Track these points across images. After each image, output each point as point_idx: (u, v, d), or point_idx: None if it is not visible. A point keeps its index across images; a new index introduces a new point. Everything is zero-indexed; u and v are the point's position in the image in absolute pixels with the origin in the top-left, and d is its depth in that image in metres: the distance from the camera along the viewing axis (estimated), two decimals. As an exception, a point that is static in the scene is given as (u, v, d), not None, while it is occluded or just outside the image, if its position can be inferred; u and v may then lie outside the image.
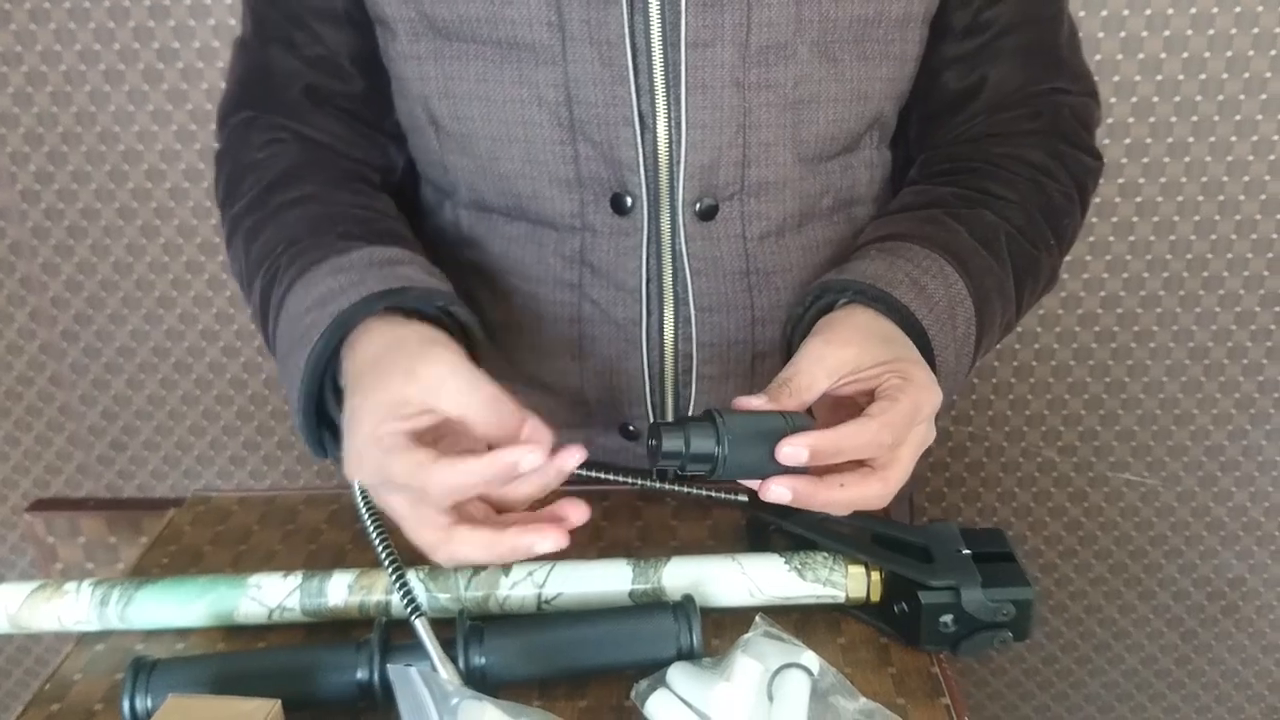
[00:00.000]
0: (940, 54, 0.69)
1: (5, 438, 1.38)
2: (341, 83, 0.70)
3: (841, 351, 0.53)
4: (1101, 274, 1.21)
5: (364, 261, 0.59)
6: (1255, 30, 1.09)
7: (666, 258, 0.66)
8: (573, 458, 0.51)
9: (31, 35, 1.16)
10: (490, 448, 0.50)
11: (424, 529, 0.51)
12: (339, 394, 0.57)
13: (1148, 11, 1.09)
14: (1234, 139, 1.14)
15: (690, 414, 0.68)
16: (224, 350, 1.30)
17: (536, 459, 0.48)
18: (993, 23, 0.68)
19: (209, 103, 1.17)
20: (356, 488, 0.55)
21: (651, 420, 0.69)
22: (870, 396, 0.53)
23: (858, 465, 0.52)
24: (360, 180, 0.70)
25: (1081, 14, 1.10)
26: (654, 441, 0.50)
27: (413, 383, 0.51)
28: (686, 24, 0.60)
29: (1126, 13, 1.09)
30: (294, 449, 1.35)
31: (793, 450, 0.49)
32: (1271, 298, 1.21)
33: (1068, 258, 1.19)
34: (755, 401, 0.51)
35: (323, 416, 0.59)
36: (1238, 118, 1.13)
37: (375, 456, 0.51)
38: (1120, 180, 1.16)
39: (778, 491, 0.50)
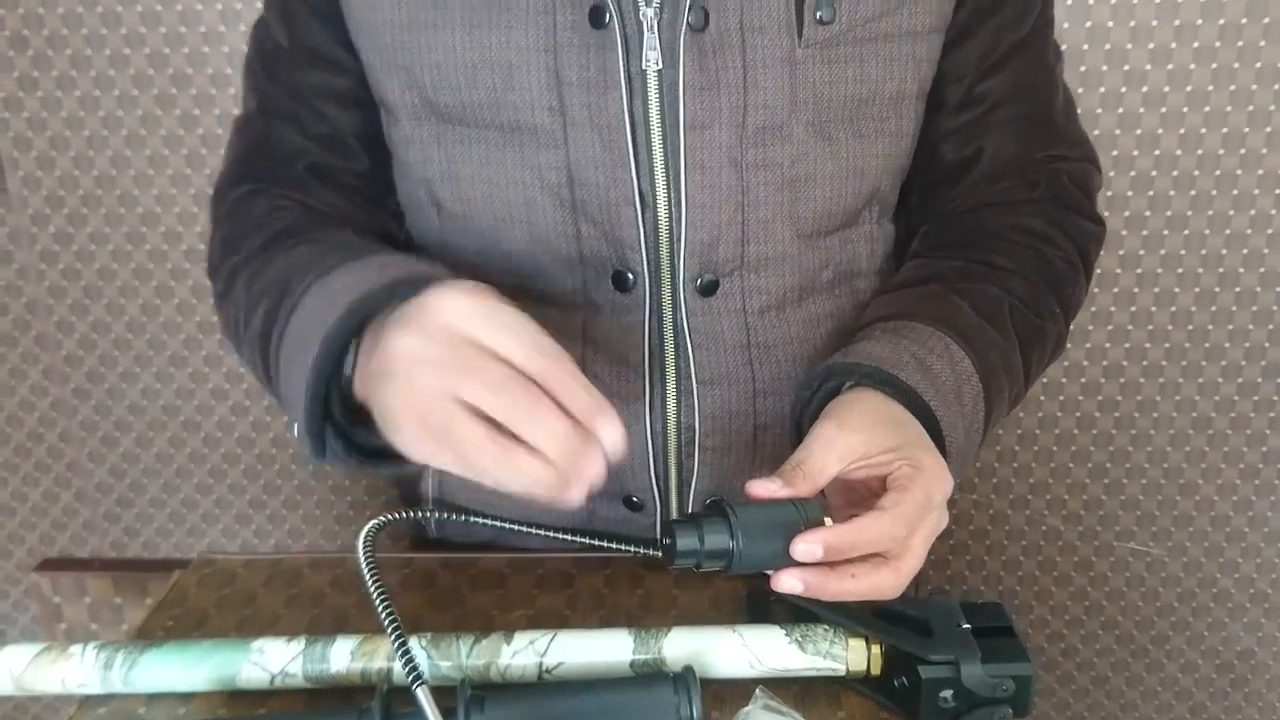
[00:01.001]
0: (937, 126, 0.71)
1: (13, 493, 1.39)
2: (346, 160, 0.71)
3: (852, 437, 0.54)
4: (1104, 343, 1.22)
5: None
6: (1250, 108, 1.12)
7: (668, 333, 0.67)
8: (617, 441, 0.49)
9: (57, 101, 1.19)
10: None
11: (511, 402, 0.46)
12: (343, 399, 0.54)
13: (1144, 89, 1.12)
14: (1232, 213, 1.16)
15: (696, 503, 0.69)
16: (233, 409, 1.31)
17: (614, 435, 0.48)
18: (987, 96, 0.70)
19: (227, 167, 1.20)
20: (361, 550, 0.56)
21: (654, 495, 0.70)
22: (881, 482, 0.53)
23: (870, 555, 0.52)
24: (369, 237, 0.71)
25: (1080, 90, 1.12)
26: (668, 540, 0.51)
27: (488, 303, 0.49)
28: (685, 107, 0.62)
29: (1124, 89, 1.12)
30: (299, 508, 1.36)
31: (807, 548, 0.50)
32: (1273, 369, 1.21)
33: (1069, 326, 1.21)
34: (770, 487, 0.52)
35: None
36: (1235, 192, 1.15)
37: (458, 331, 0.47)
38: (1121, 251, 1.18)
39: (789, 583, 0.51)
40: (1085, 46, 1.11)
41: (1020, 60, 0.70)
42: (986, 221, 0.71)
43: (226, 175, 0.74)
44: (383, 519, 0.63)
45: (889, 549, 0.52)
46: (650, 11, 0.61)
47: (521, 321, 0.48)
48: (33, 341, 1.31)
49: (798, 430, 0.62)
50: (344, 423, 0.56)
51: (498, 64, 0.63)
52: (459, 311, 0.48)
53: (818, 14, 0.62)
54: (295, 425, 0.56)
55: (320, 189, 0.71)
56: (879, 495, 0.53)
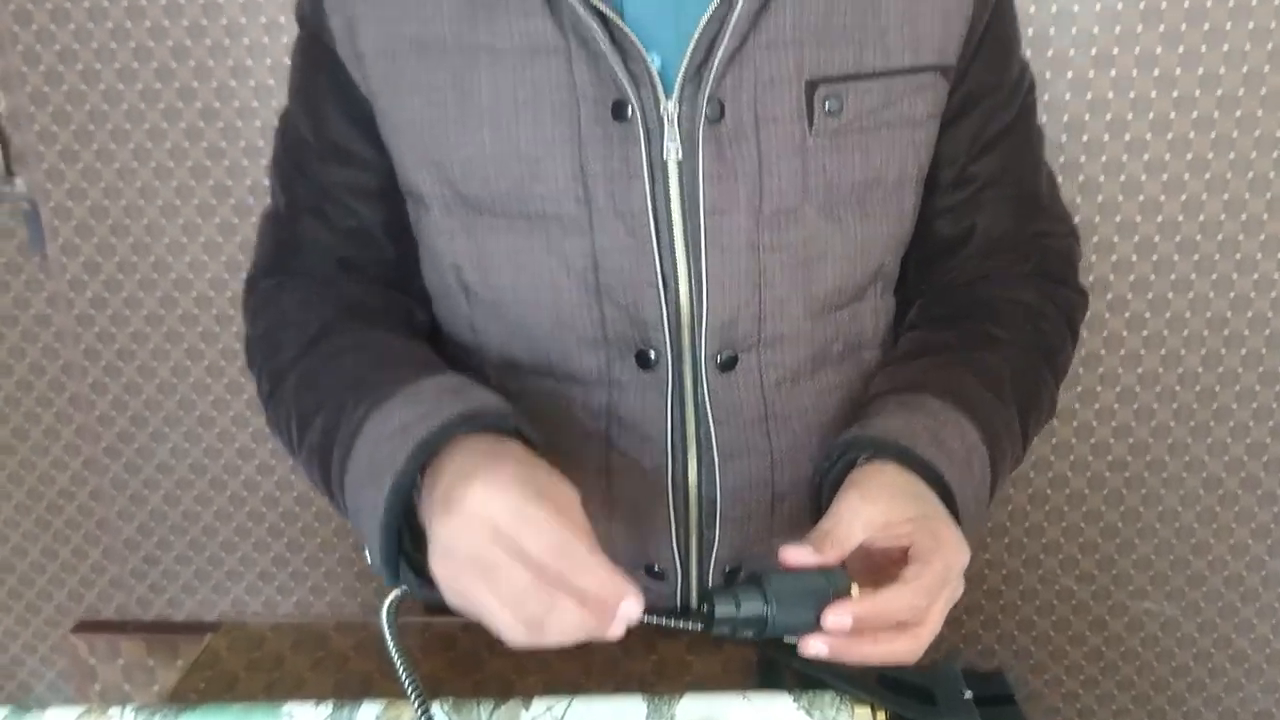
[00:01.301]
0: (932, 204, 0.74)
1: (43, 550, 1.42)
2: (373, 252, 0.74)
3: (874, 507, 0.57)
4: (1112, 404, 1.24)
5: (435, 389, 0.61)
6: (1250, 175, 1.15)
7: (690, 408, 0.70)
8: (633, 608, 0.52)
9: (95, 172, 1.24)
10: None
11: (531, 600, 0.50)
12: (409, 523, 0.59)
13: (1145, 156, 1.15)
14: (1235, 276, 1.18)
15: (696, 569, 0.72)
16: (259, 468, 1.34)
17: (635, 611, 0.51)
18: (978, 176, 0.74)
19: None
20: (385, 618, 0.58)
21: (676, 565, 0.73)
22: (901, 552, 0.56)
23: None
24: (398, 328, 0.74)
25: (1082, 159, 1.15)
26: (707, 607, 0.53)
27: (533, 473, 0.54)
28: (704, 194, 0.65)
29: (1125, 157, 1.15)
30: (321, 565, 1.38)
31: (837, 619, 0.52)
32: (1282, 430, 1.23)
33: (1078, 387, 1.23)
34: (802, 554, 0.54)
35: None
36: (1238, 256, 1.17)
37: (488, 527, 0.51)
38: (1126, 314, 1.20)
39: (816, 647, 0.53)
40: (1087, 117, 1.14)
41: (1008, 143, 0.74)
42: (981, 294, 0.74)
43: (258, 266, 0.77)
44: (404, 590, 0.65)
45: (910, 618, 0.54)
46: (670, 105, 0.64)
47: (546, 519, 0.51)
48: (67, 401, 1.35)
49: (817, 499, 0.65)
50: (413, 551, 0.59)
51: (525, 157, 0.66)
52: (493, 508, 0.52)
53: (826, 105, 0.66)
54: (369, 552, 0.61)
55: (348, 281, 0.74)
56: (898, 563, 0.55)
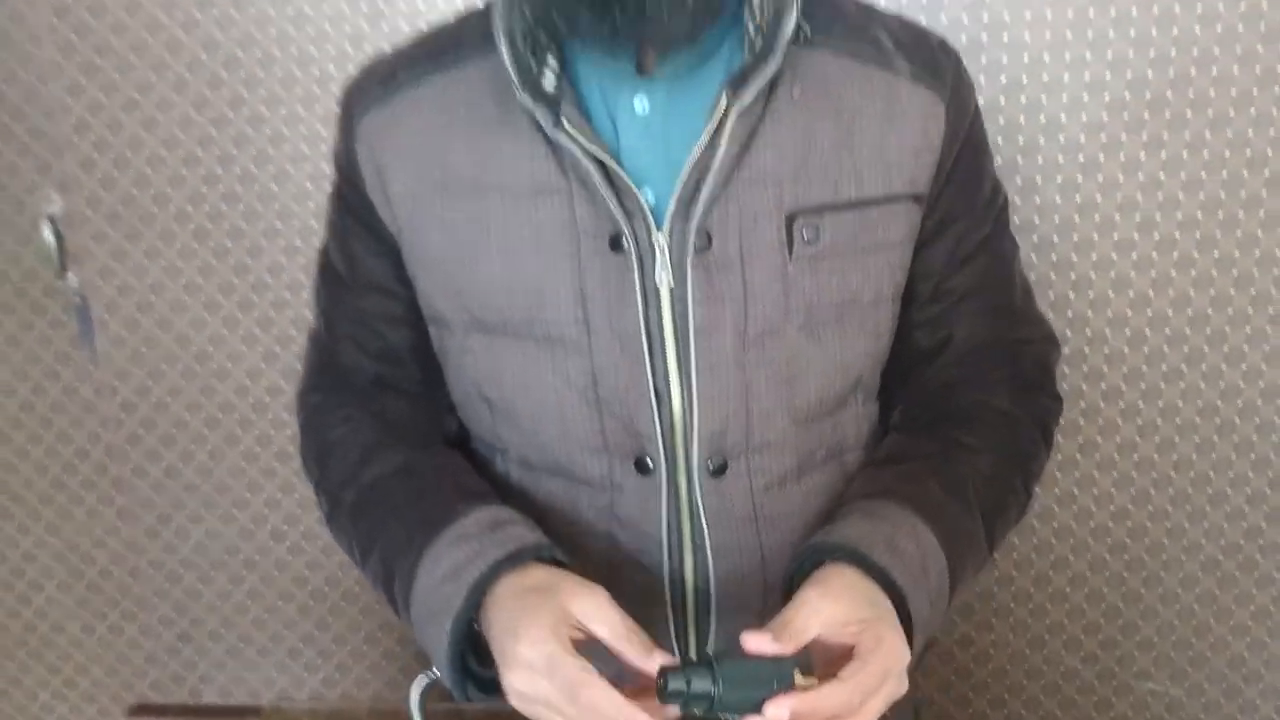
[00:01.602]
0: (910, 316, 0.80)
1: (82, 626, 1.48)
2: (402, 370, 0.83)
3: (832, 605, 0.62)
4: (1110, 489, 1.28)
5: (478, 527, 0.71)
6: (1235, 272, 1.20)
7: (684, 510, 0.76)
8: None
9: (143, 269, 1.32)
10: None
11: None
12: (473, 642, 0.69)
13: (1134, 255, 1.21)
14: (1224, 366, 1.23)
15: (695, 655, 0.78)
16: (290, 549, 1.40)
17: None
18: (954, 290, 0.79)
19: (294, 329, 1.32)
20: (415, 705, 0.64)
21: (675, 654, 0.78)
22: (848, 650, 0.61)
23: None
24: (431, 444, 0.82)
25: (1074, 257, 1.21)
26: (662, 681, 0.60)
27: (571, 607, 0.63)
28: (694, 317, 0.71)
29: (1114, 255, 1.21)
30: (348, 643, 1.43)
31: (776, 711, 0.58)
32: (1275, 514, 1.27)
33: (1076, 473, 1.27)
34: (760, 640, 0.60)
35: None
36: (1225, 348, 1.22)
37: (541, 670, 0.61)
38: (1121, 404, 1.25)
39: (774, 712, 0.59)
40: (1076, 218, 1.20)
41: (982, 258, 0.80)
42: (957, 401, 0.80)
43: (304, 383, 0.87)
44: (431, 676, 0.71)
45: (845, 713, 0.60)
46: (661, 237, 0.71)
47: (575, 675, 0.60)
48: (109, 484, 1.42)
49: (789, 596, 0.70)
50: (478, 667, 0.69)
51: (532, 286, 0.73)
52: (534, 663, 0.62)
53: (804, 235, 0.72)
54: (437, 668, 0.70)
55: (382, 397, 0.83)
56: (845, 659, 0.61)
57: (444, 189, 0.75)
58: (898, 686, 0.62)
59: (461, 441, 0.86)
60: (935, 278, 0.79)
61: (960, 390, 0.80)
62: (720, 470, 0.75)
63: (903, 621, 0.65)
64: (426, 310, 0.80)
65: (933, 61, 0.76)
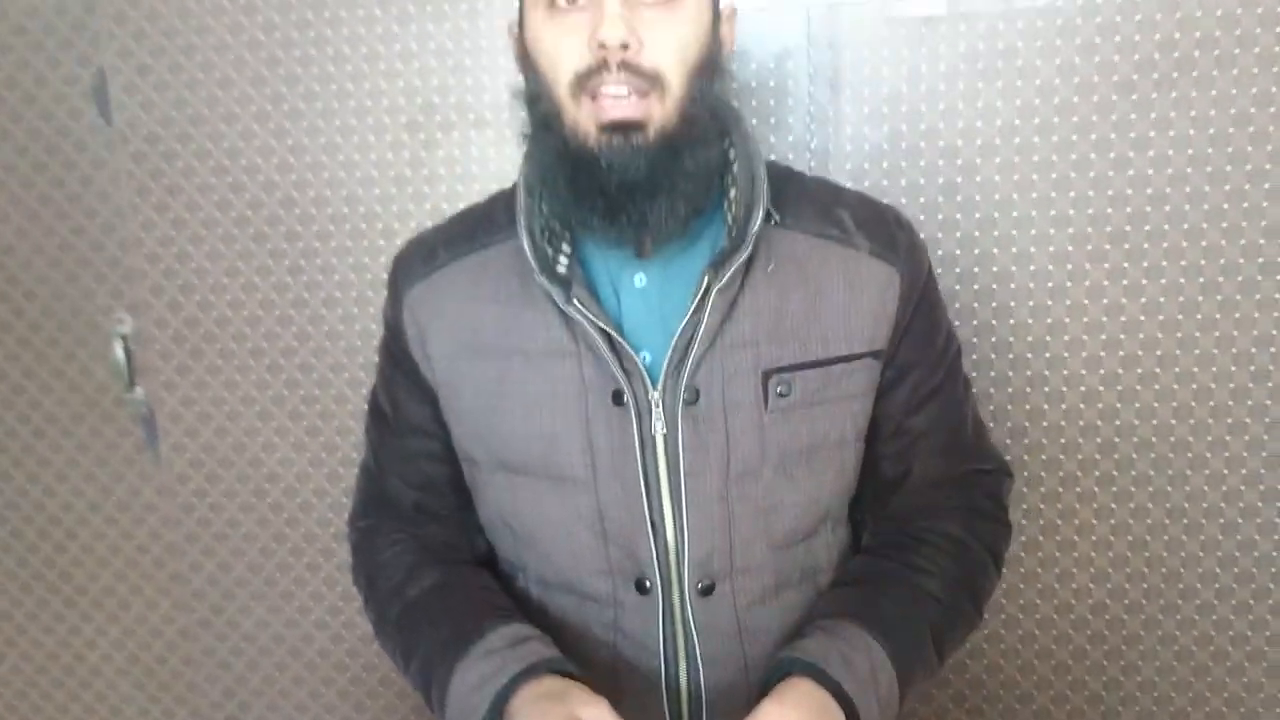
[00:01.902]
0: (875, 451, 0.92)
1: (139, 710, 1.59)
2: (440, 499, 0.96)
3: (788, 713, 0.74)
4: (1088, 584, 1.39)
5: (502, 642, 0.82)
6: (1194, 385, 1.32)
7: (678, 624, 0.88)
8: None
9: (204, 384, 1.46)
10: None
11: None
12: None
13: (1101, 371, 1.33)
14: (1189, 471, 1.34)
15: None
16: (332, 638, 1.52)
17: None
18: (912, 429, 0.92)
19: (339, 438, 1.45)
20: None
21: None
22: None
23: None
24: (464, 564, 0.94)
25: (1046, 372, 1.33)
26: None
27: (578, 713, 0.73)
28: (684, 461, 0.84)
29: (1083, 372, 1.33)
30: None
31: None
32: (1243, 607, 1.36)
33: (1056, 569, 1.38)
34: None
35: None
36: (1189, 455, 1.34)
37: None
38: (1095, 505, 1.36)
39: None
40: (1048, 338, 1.32)
41: (937, 401, 0.92)
42: (916, 527, 0.92)
43: (355, 509, 1.00)
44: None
45: None
46: (656, 394, 0.84)
47: None
48: (167, 578, 1.55)
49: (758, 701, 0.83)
50: None
51: (547, 434, 0.86)
52: None
53: (778, 390, 0.85)
54: None
55: (422, 522, 0.96)
56: None
57: (475, 351, 0.89)
58: None
59: (489, 559, 0.99)
60: (896, 419, 0.91)
61: (918, 518, 0.92)
62: (708, 590, 0.87)
63: None
64: (459, 450, 0.93)
65: (889, 237, 0.89)
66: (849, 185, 1.26)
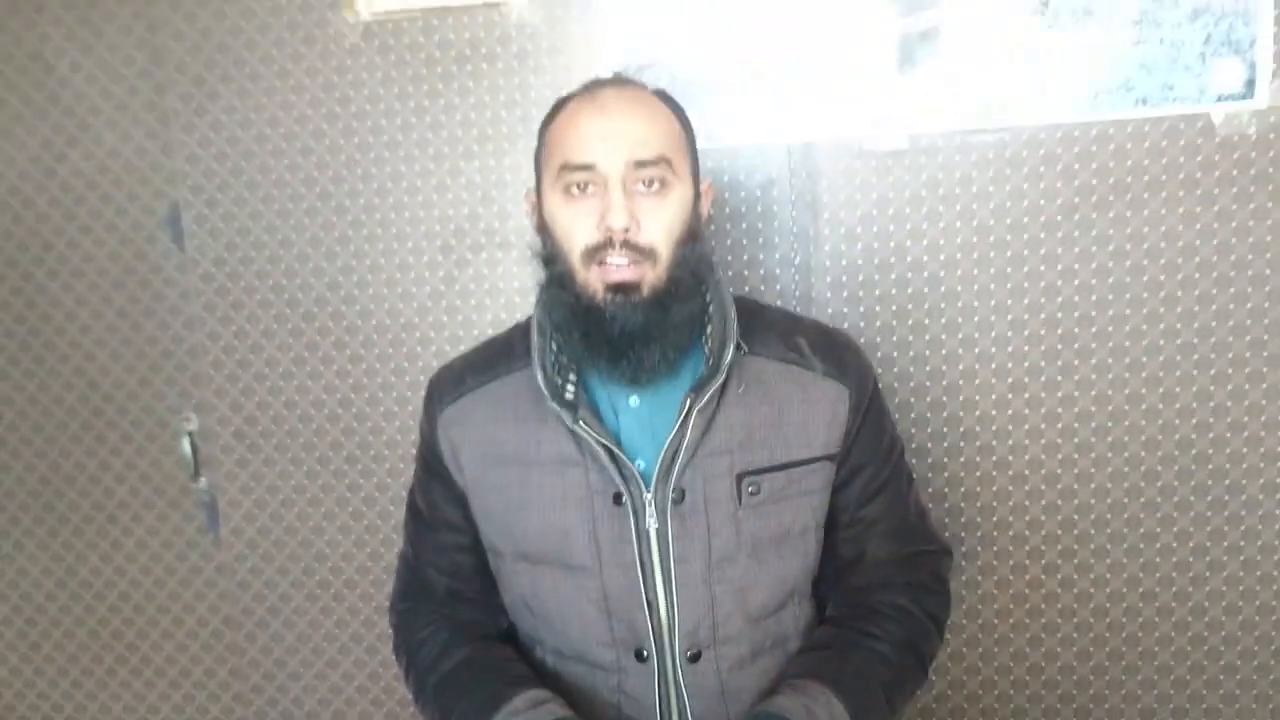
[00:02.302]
0: (834, 536, 1.09)
1: (196, 770, 1.75)
2: (468, 585, 1.13)
3: None
4: (1055, 676, 1.53)
5: (525, 704, 0.98)
6: (1142, 468, 1.47)
7: (671, 686, 1.04)
8: None
9: (262, 475, 1.64)
10: None
11: None
12: None
13: (1059, 456, 1.49)
14: (1141, 545, 1.49)
15: None
16: (372, 700, 1.68)
17: None
18: (865, 518, 1.09)
19: (380, 520, 1.62)
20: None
21: None
22: None
23: None
24: (491, 639, 1.11)
25: (1010, 458, 1.49)
26: None
27: None
28: (673, 550, 1.01)
29: (1043, 456, 1.49)
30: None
31: None
32: (1198, 668, 1.50)
33: (1026, 634, 1.52)
34: None
35: None
36: (1141, 530, 1.49)
37: None
38: (1059, 575, 1.51)
39: None
40: (1010, 428, 1.49)
41: (885, 494, 1.09)
42: (869, 600, 1.08)
43: (395, 594, 1.17)
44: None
45: None
46: (649, 495, 1.02)
47: None
48: (224, 648, 1.71)
49: None
50: None
51: (559, 530, 1.03)
52: None
53: (749, 489, 1.02)
54: None
55: (454, 604, 1.13)
56: None
57: (499, 461, 1.06)
58: None
59: (511, 635, 1.16)
60: (850, 510, 1.09)
61: (871, 592, 1.09)
62: (696, 657, 1.04)
63: None
64: (486, 543, 1.10)
65: (839, 360, 1.07)
66: (829, 295, 1.45)
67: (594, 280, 0.98)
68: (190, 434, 1.65)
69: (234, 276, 1.60)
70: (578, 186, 0.98)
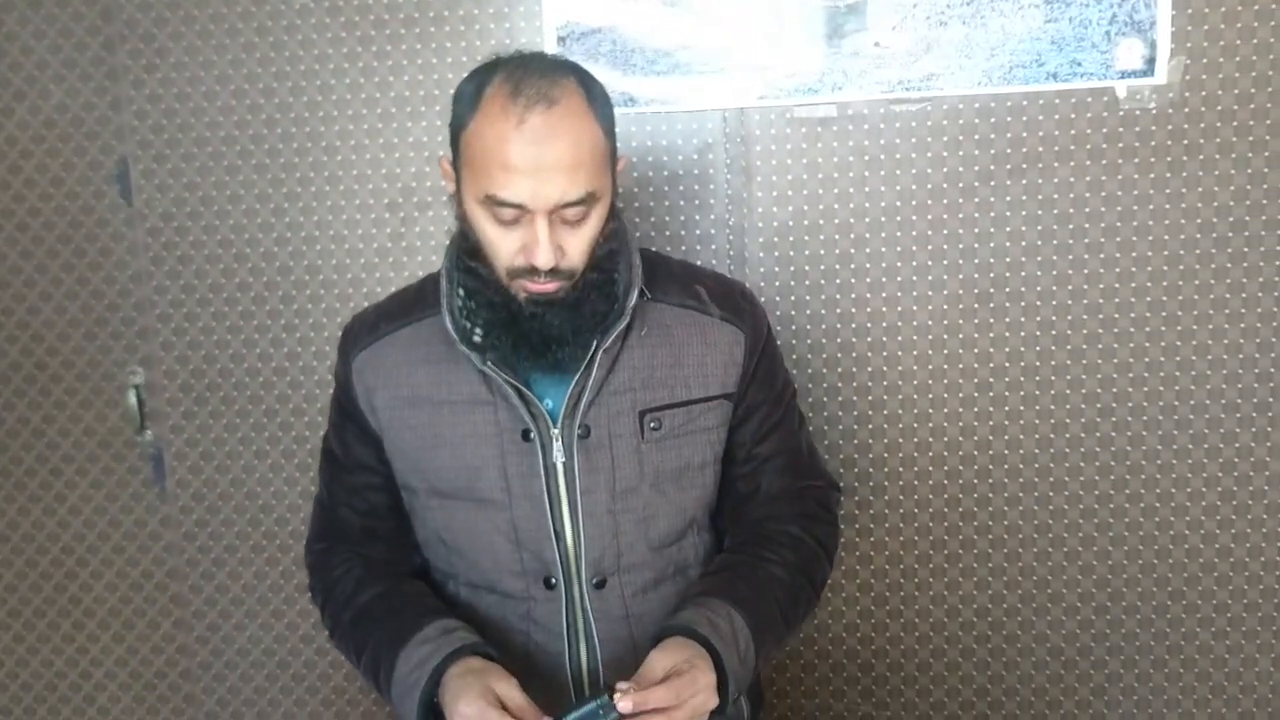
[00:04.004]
0: (731, 472, 1.16)
1: (139, 721, 1.77)
2: (384, 523, 1.18)
3: (668, 658, 0.96)
4: (972, 591, 1.63)
5: (436, 632, 1.03)
6: (1068, 435, 1.57)
7: (579, 613, 1.11)
8: None
9: (209, 428, 1.67)
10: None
11: None
12: (434, 710, 0.99)
13: (975, 409, 1.58)
14: (1050, 493, 1.59)
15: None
16: (317, 651, 1.72)
17: None
18: (759, 455, 1.16)
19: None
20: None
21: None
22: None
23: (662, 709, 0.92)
24: (404, 576, 1.16)
25: (929, 395, 1.58)
26: None
27: (494, 687, 0.93)
28: (579, 482, 1.07)
29: (961, 410, 1.58)
30: (362, 730, 1.73)
31: (624, 702, 0.89)
32: (1102, 609, 1.61)
33: (945, 579, 1.60)
34: (624, 686, 0.92)
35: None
36: (1051, 479, 1.58)
37: (474, 717, 0.92)
38: (975, 523, 1.60)
39: (624, 705, 0.90)
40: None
41: (778, 432, 1.17)
42: (763, 529, 1.15)
43: (311, 535, 1.22)
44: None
45: (668, 705, 0.91)
46: (556, 431, 1.08)
47: (495, 715, 0.91)
48: (169, 600, 1.73)
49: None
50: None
51: (470, 466, 1.09)
52: (469, 716, 0.92)
53: (651, 425, 1.09)
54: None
55: (368, 543, 1.18)
56: None
57: (411, 402, 1.12)
58: (708, 698, 0.94)
59: (424, 572, 1.21)
60: (746, 446, 1.17)
61: (765, 523, 1.17)
62: (601, 584, 1.11)
63: (719, 673, 0.97)
64: (400, 482, 1.16)
65: (735, 306, 1.15)
66: (761, 255, 1.53)
67: (516, 288, 1.02)
68: (136, 387, 1.67)
69: (181, 231, 1.63)
70: (504, 219, 0.99)
